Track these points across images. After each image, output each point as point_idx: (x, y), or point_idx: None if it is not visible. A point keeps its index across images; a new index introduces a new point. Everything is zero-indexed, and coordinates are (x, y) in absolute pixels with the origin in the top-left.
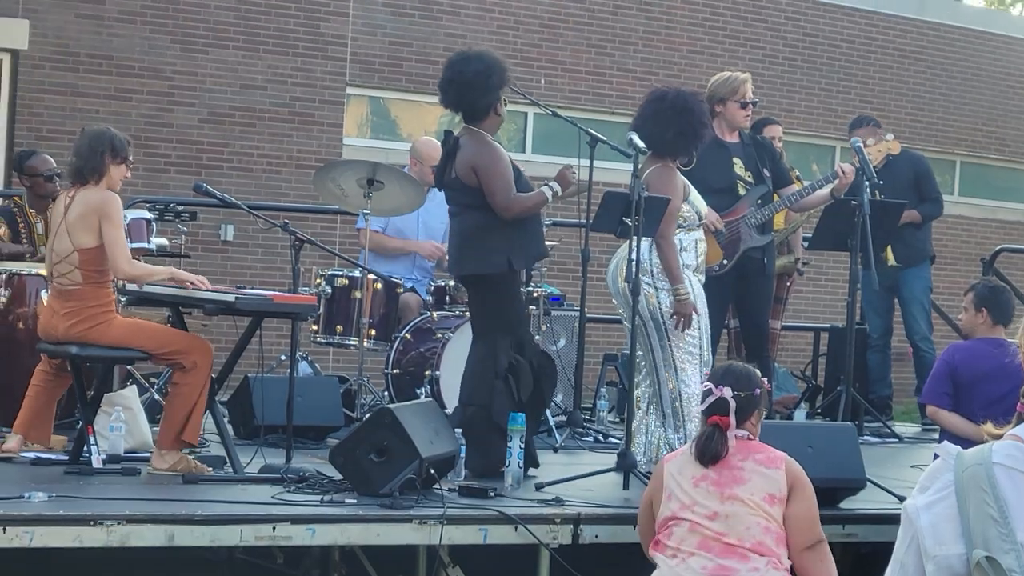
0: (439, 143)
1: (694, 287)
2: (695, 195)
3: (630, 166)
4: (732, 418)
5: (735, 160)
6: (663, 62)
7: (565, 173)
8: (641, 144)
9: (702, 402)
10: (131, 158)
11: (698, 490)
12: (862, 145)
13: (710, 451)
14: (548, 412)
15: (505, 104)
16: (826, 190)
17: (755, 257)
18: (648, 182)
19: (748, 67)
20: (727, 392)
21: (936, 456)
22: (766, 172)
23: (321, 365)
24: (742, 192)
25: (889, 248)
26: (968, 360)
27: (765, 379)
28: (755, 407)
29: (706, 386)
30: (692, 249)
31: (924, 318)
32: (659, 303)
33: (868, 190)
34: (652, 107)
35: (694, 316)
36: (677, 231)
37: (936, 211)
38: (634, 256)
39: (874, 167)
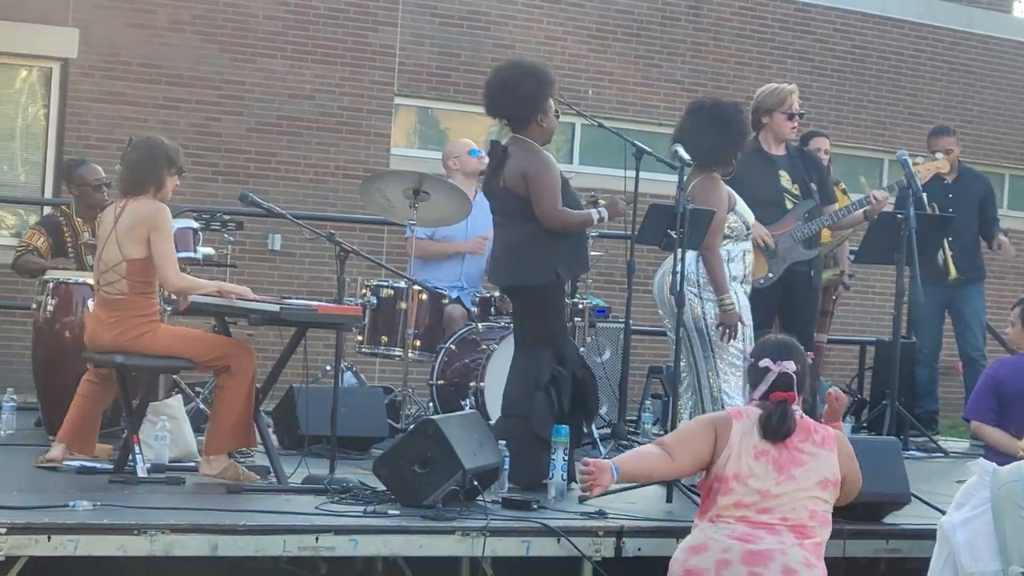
0: (469, 140)
1: (739, 298)
2: (741, 205)
3: (676, 178)
4: (796, 393)
5: (781, 173)
6: (711, 73)
7: (618, 204)
8: (686, 156)
9: (760, 380)
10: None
11: (758, 463)
12: (908, 159)
13: (783, 430)
14: (592, 424)
15: (558, 115)
16: (859, 211)
17: (801, 271)
18: (692, 194)
19: (796, 79)
20: (790, 367)
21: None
22: (813, 186)
23: (367, 376)
24: (789, 205)
25: (951, 263)
26: (1014, 375)
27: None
28: (807, 377)
29: (762, 364)
30: (740, 260)
31: (982, 333)
32: (704, 314)
33: (914, 204)
34: (690, 119)
35: (739, 327)
36: (724, 242)
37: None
38: (679, 268)
39: (945, 182)
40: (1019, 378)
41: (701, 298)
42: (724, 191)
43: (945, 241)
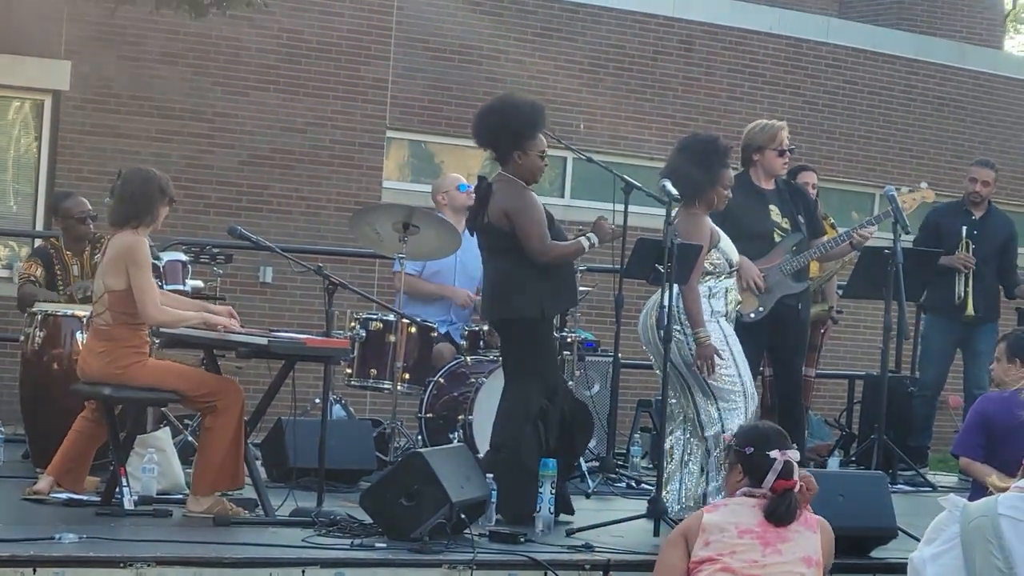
0: (458, 175)
1: (723, 329)
2: (726, 242)
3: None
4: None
5: (771, 207)
6: (703, 108)
7: (602, 224)
8: (674, 191)
9: (767, 469)
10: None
11: (742, 541)
12: (896, 193)
13: (787, 513)
14: (581, 458)
15: (543, 156)
16: (846, 243)
17: (790, 304)
18: (678, 229)
19: (788, 113)
20: (795, 456)
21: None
22: (801, 219)
23: (357, 408)
24: (777, 239)
25: (970, 300)
26: (1002, 411)
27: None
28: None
29: (772, 454)
30: (722, 296)
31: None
32: (691, 350)
33: (901, 239)
34: (674, 156)
35: (725, 355)
36: (707, 278)
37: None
38: (667, 302)
39: (972, 217)
40: (1008, 414)
41: (686, 335)
42: (706, 227)
43: (968, 277)
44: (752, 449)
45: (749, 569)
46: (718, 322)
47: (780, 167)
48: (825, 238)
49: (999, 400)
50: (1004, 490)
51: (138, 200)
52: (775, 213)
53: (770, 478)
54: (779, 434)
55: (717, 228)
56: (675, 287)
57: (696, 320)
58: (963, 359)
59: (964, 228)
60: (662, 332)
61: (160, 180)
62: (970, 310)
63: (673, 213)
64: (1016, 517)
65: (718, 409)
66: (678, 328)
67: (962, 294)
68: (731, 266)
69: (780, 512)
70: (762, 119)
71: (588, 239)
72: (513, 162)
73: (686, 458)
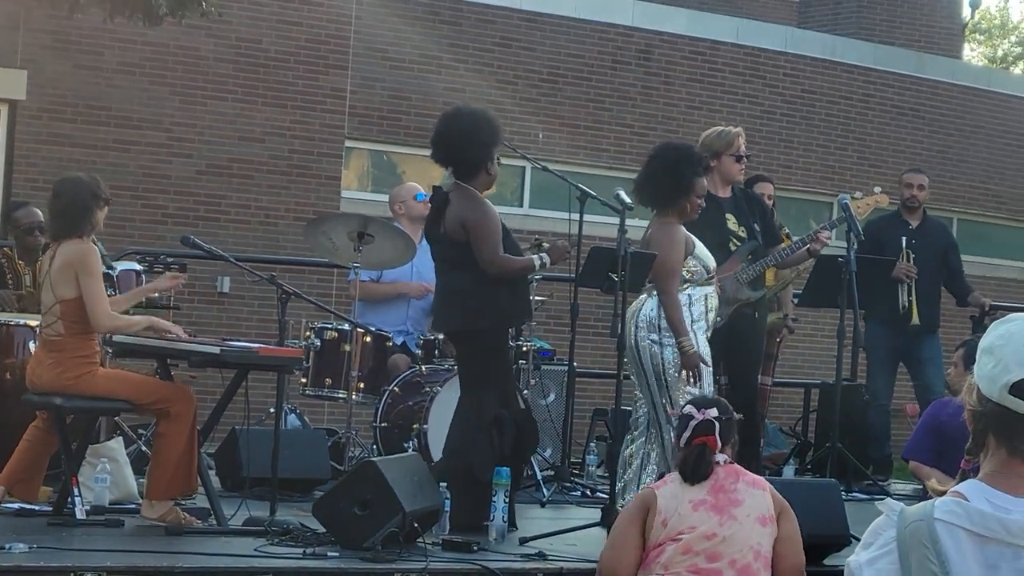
0: (416, 184)
1: (698, 341)
2: (701, 249)
3: (634, 222)
4: (717, 439)
5: (728, 216)
6: (661, 117)
7: (561, 251)
8: (628, 199)
9: (684, 428)
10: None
11: (697, 514)
12: (849, 201)
13: (700, 470)
14: (536, 466)
15: (498, 164)
16: (803, 249)
17: (746, 313)
18: (649, 238)
19: (746, 123)
20: (711, 413)
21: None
22: (757, 227)
23: (315, 418)
24: (733, 248)
25: (915, 309)
26: (955, 417)
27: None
28: (733, 433)
29: (686, 411)
30: (701, 303)
31: (940, 379)
32: (663, 360)
33: (855, 247)
34: (647, 164)
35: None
36: (685, 286)
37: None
38: (619, 310)
39: (910, 227)
40: (960, 420)
41: (661, 344)
42: (680, 235)
43: (911, 286)
44: (681, 410)
45: (708, 543)
46: (693, 332)
47: (737, 173)
48: (781, 246)
49: (952, 406)
50: (942, 493)
51: (73, 212)
52: (731, 222)
53: (686, 435)
54: (706, 398)
55: (692, 235)
56: (654, 298)
57: (679, 329)
58: (907, 368)
59: (903, 238)
60: (645, 338)
61: (91, 186)
62: (915, 319)
63: (643, 222)
64: (952, 522)
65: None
66: (655, 337)
67: (906, 304)
68: (708, 272)
69: (689, 465)
70: (718, 126)
71: (541, 259)
72: (480, 175)
73: (645, 463)
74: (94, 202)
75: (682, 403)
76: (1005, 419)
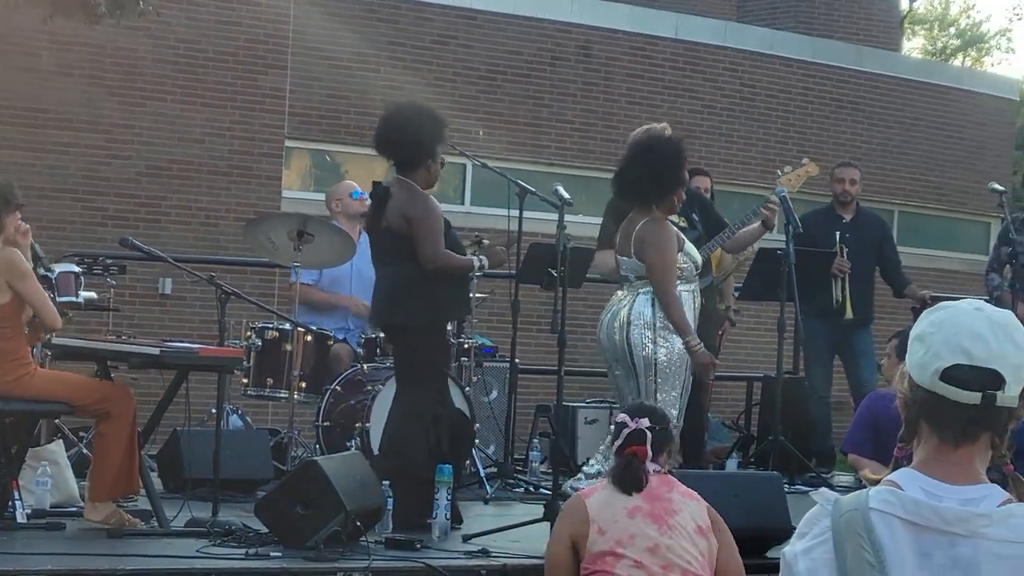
0: (352, 181)
1: (674, 344)
2: (689, 246)
3: (574, 218)
4: (649, 449)
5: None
6: (602, 113)
7: (499, 256)
8: (567, 195)
9: (617, 436)
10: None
11: (634, 522)
12: (787, 194)
13: (630, 478)
14: (479, 463)
15: (442, 164)
16: (756, 224)
17: None
18: (641, 236)
19: (686, 117)
20: (643, 423)
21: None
22: (696, 217)
23: (258, 418)
24: None
25: (848, 303)
26: (889, 407)
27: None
28: (669, 442)
29: (619, 419)
30: (690, 300)
31: (874, 371)
32: (656, 359)
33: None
34: (639, 157)
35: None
36: (676, 282)
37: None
38: (559, 307)
39: (844, 221)
40: (894, 411)
41: (655, 344)
42: (672, 232)
43: (844, 280)
44: (616, 417)
45: (653, 556)
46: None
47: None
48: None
49: (887, 397)
50: (876, 482)
51: None
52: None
53: (618, 443)
54: (641, 406)
55: (679, 232)
56: (647, 295)
57: (684, 328)
58: (841, 361)
59: (837, 233)
60: (640, 335)
61: (2, 190)
62: (849, 313)
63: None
64: (886, 511)
65: None
66: (650, 335)
67: (840, 298)
68: (696, 268)
69: (619, 474)
70: (647, 124)
71: (479, 260)
72: (423, 170)
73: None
74: (4, 207)
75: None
76: (936, 406)
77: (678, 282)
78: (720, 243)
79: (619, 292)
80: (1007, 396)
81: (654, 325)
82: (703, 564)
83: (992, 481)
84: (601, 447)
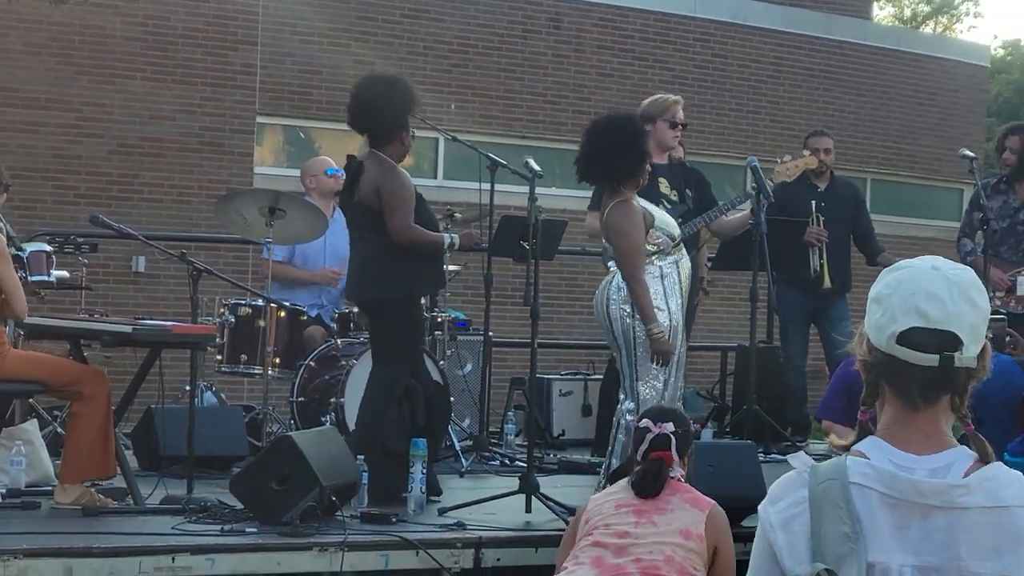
0: (327, 157)
1: (672, 312)
2: (661, 218)
3: (546, 190)
4: (674, 453)
5: (661, 180)
6: (573, 85)
7: (472, 238)
8: (537, 167)
9: (641, 441)
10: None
11: (617, 514)
12: (758, 163)
13: (656, 485)
14: (455, 437)
15: (413, 135)
16: (745, 212)
17: None
18: (609, 223)
19: (658, 88)
20: (668, 427)
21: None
22: (688, 192)
23: (233, 395)
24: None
25: (826, 272)
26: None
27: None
28: (691, 443)
29: (643, 424)
30: (673, 272)
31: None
32: (635, 334)
33: (765, 209)
34: (598, 138)
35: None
36: (653, 259)
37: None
38: (532, 280)
39: (819, 190)
40: None
41: (634, 317)
42: (637, 213)
43: (822, 250)
44: (638, 422)
45: (618, 540)
46: (667, 307)
47: (671, 139)
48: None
49: None
50: (843, 447)
51: None
52: (664, 185)
53: (641, 448)
54: (663, 410)
55: (649, 206)
56: (617, 275)
57: (647, 315)
58: (818, 329)
59: (812, 202)
60: (618, 309)
61: None
62: (827, 282)
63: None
64: (865, 484)
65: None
66: (628, 309)
67: (818, 267)
68: (673, 239)
69: (645, 482)
70: (659, 93)
71: (451, 238)
72: (397, 142)
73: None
74: None
75: (646, 389)
76: (895, 369)
77: (656, 257)
78: (705, 222)
79: (610, 265)
80: (965, 357)
81: (627, 300)
82: (670, 559)
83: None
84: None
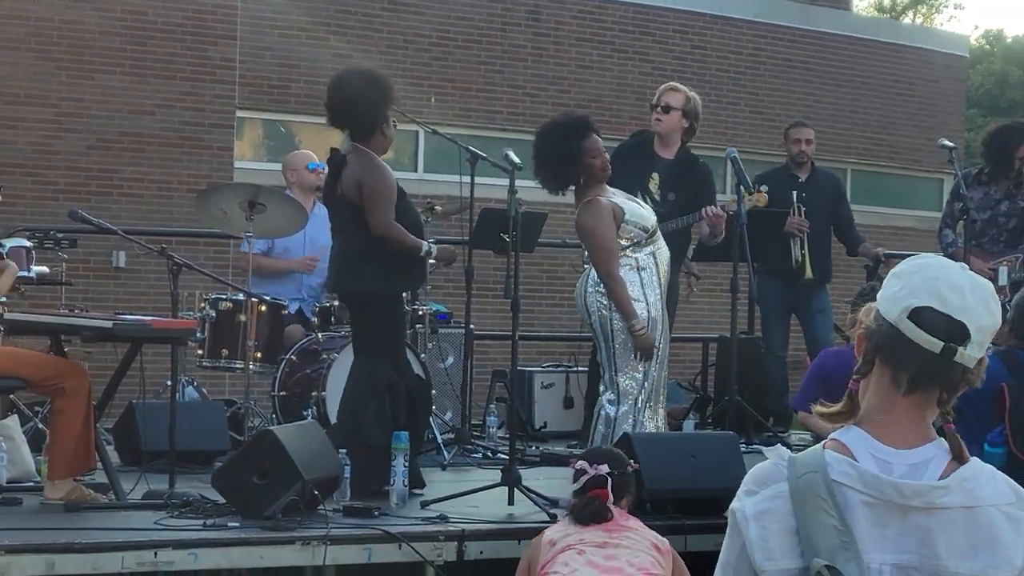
0: (307, 151)
1: (650, 304)
2: (632, 212)
3: (526, 182)
4: (610, 493)
5: (654, 176)
6: (553, 78)
7: (448, 251)
8: (517, 160)
9: (575, 481)
10: None
11: (587, 530)
12: (738, 155)
13: (593, 513)
14: (436, 430)
15: (395, 126)
16: (706, 231)
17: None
18: (578, 225)
19: (637, 80)
20: (603, 469)
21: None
22: (671, 196)
23: (215, 390)
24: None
25: (808, 262)
26: (840, 365)
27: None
28: (629, 486)
29: (579, 466)
30: (650, 264)
31: (831, 331)
32: (612, 325)
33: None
34: (534, 153)
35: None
36: (628, 251)
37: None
38: (511, 272)
39: (800, 180)
40: (845, 368)
41: (610, 308)
42: (604, 211)
43: (803, 241)
44: (575, 463)
45: (603, 549)
46: (646, 299)
47: (654, 122)
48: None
49: (837, 355)
50: (831, 415)
51: None
52: (654, 182)
53: (575, 487)
54: (600, 452)
55: (619, 201)
56: (592, 273)
57: (628, 312)
58: (799, 320)
59: (794, 193)
60: (595, 300)
61: None
62: (809, 273)
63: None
64: (845, 483)
65: (618, 387)
66: (604, 301)
67: (799, 258)
68: (647, 231)
69: (582, 509)
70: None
71: (429, 247)
72: (377, 136)
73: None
74: None
75: (625, 381)
76: (895, 343)
77: (631, 249)
78: (679, 224)
79: (586, 262)
80: (967, 354)
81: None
82: (655, 564)
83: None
84: None
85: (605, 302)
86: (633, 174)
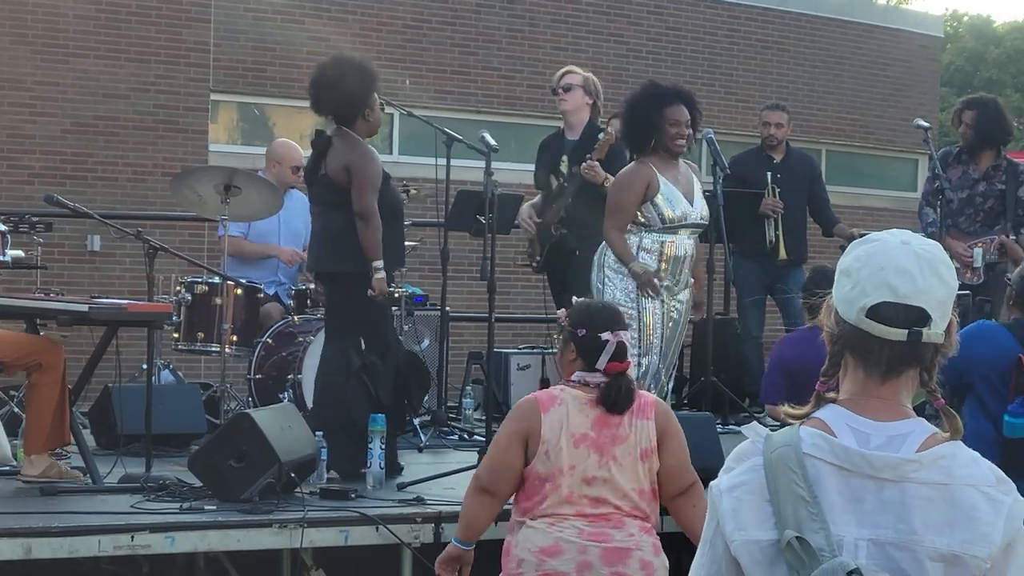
0: (296, 145)
1: (641, 303)
2: (663, 198)
3: (502, 164)
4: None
5: (563, 158)
6: (528, 59)
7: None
8: (493, 142)
9: (599, 351)
10: None
11: (578, 451)
12: (714, 136)
13: (626, 402)
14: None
15: (383, 108)
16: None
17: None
18: (616, 175)
19: (612, 62)
20: (625, 336)
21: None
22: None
23: (192, 373)
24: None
25: (782, 243)
26: (797, 350)
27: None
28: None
29: (603, 336)
30: (655, 252)
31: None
32: (603, 296)
33: (721, 180)
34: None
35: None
36: (636, 229)
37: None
38: (488, 253)
39: (774, 161)
40: (803, 353)
41: (603, 284)
42: (637, 178)
43: (778, 221)
44: (584, 331)
45: (590, 489)
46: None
47: (559, 103)
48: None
49: (793, 341)
50: (799, 417)
51: None
52: (564, 164)
53: (602, 359)
54: (612, 314)
55: (667, 183)
56: (597, 258)
57: (624, 257)
58: (775, 301)
59: (768, 174)
60: (595, 281)
61: None
62: (782, 254)
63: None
64: (816, 455)
65: None
66: (599, 275)
67: (773, 239)
68: (663, 222)
69: (614, 398)
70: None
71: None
72: (361, 121)
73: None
74: None
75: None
76: (862, 341)
77: (639, 228)
78: (568, 194)
79: None
80: (933, 332)
81: (603, 265)
82: (643, 492)
83: (928, 417)
84: None
85: (599, 276)
86: (548, 166)
